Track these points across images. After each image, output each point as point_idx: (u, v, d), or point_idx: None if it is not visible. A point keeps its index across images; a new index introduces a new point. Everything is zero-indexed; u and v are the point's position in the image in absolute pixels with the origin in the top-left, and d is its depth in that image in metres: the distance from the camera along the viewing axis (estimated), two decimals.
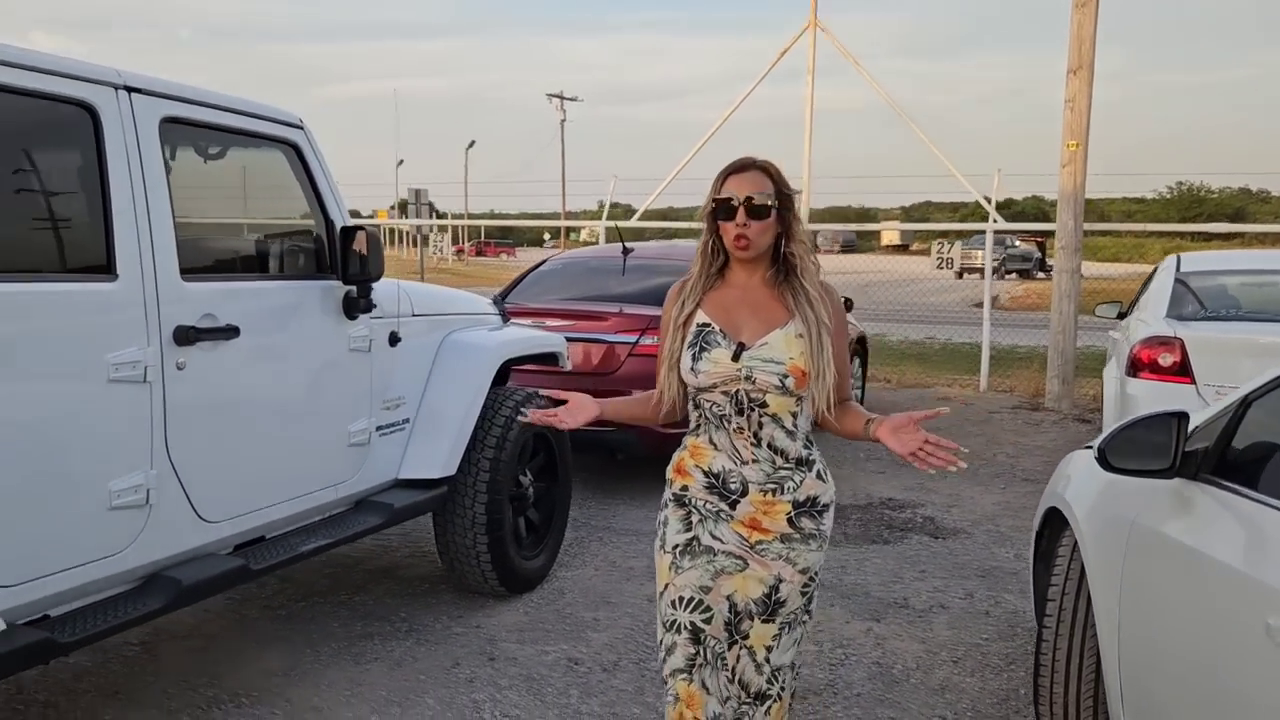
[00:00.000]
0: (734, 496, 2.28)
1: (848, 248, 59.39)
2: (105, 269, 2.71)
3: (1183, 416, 2.52)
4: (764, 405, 2.26)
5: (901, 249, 53.94)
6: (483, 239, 61.54)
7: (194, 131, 3.13)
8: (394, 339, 3.86)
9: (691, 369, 2.28)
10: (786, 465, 2.28)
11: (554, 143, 47.31)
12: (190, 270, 2.96)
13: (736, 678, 2.33)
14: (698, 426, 2.35)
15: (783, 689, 2.38)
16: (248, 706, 3.44)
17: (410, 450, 4.01)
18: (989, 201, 10.75)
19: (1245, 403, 2.49)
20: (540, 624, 4.19)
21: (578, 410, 2.43)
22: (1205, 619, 2.28)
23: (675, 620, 2.30)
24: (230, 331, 3.05)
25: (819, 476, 2.33)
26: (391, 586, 4.62)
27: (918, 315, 16.98)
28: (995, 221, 10.76)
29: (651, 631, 4.09)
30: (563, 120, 46.78)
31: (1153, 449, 2.52)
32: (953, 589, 4.71)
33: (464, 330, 4.36)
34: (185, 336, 2.89)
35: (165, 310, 2.85)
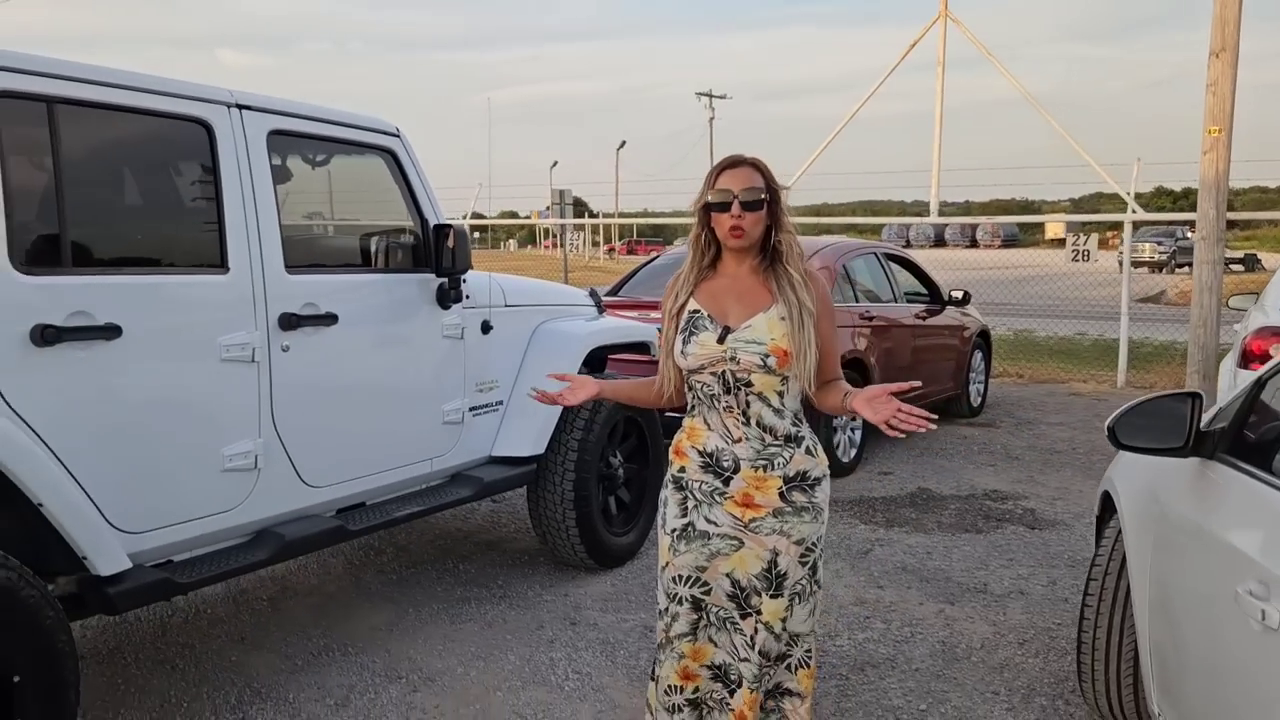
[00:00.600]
0: (727, 473, 2.46)
1: (1009, 242, 57.34)
2: (219, 264, 3.14)
3: (1196, 396, 2.57)
4: (749, 385, 2.43)
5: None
6: (634, 237, 62.34)
7: (299, 142, 3.54)
8: (486, 327, 4.20)
9: (681, 352, 2.48)
10: (775, 442, 2.46)
11: (703, 141, 47.49)
12: (295, 264, 3.36)
13: (757, 648, 2.49)
14: (693, 408, 2.55)
15: (807, 653, 2.56)
16: (352, 655, 3.84)
17: (503, 430, 4.35)
18: (1129, 194, 10.35)
19: (1260, 383, 2.52)
20: (624, 595, 4.46)
21: (579, 389, 2.69)
22: (1200, 591, 2.35)
23: (677, 594, 2.53)
24: (330, 318, 3.44)
25: (808, 452, 2.48)
26: (494, 558, 4.99)
27: (1074, 310, 16.40)
28: (1134, 212, 10.37)
29: None
30: (711, 118, 47.08)
31: (1167, 428, 2.58)
32: (1037, 577, 4.73)
33: (557, 320, 4.67)
34: (289, 322, 3.30)
35: (271, 300, 3.26)
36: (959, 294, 8.34)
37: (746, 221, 2.43)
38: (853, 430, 6.79)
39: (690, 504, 2.52)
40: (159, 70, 3.00)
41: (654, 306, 6.50)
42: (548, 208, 31.02)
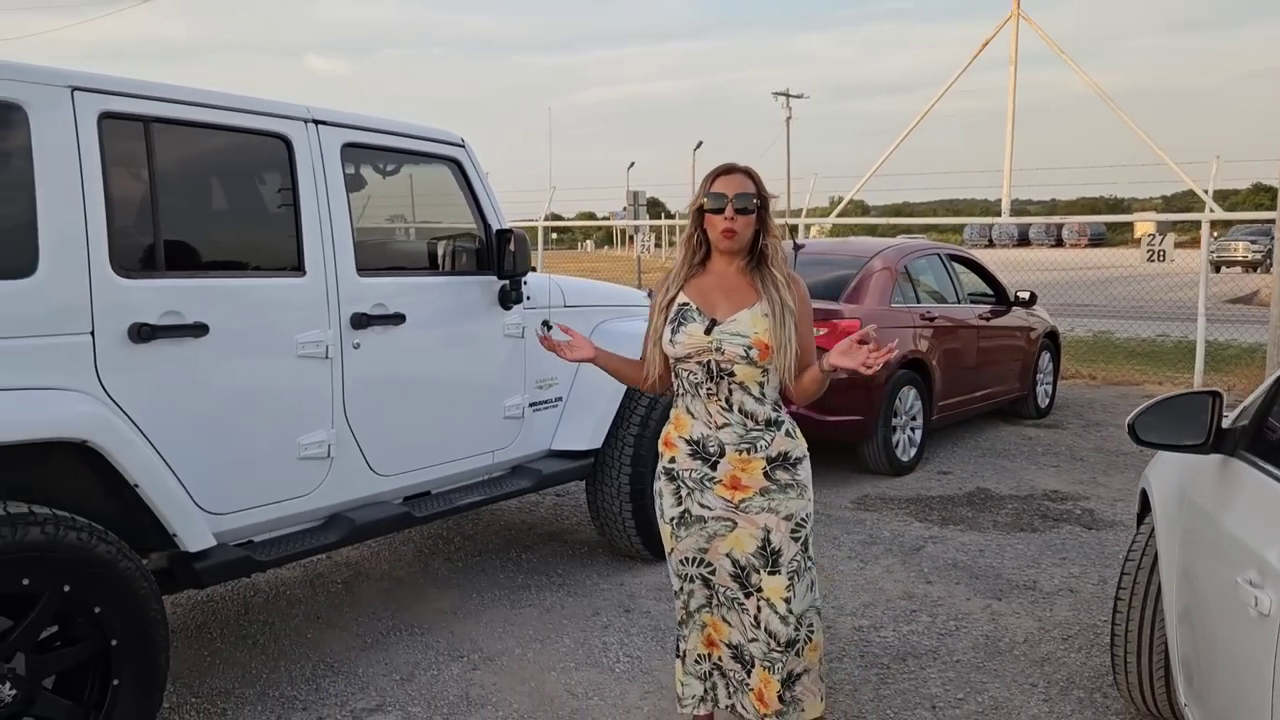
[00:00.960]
0: (714, 458, 2.66)
1: (1096, 240, 55.97)
2: (296, 267, 3.40)
3: (1216, 395, 2.65)
4: (732, 374, 2.64)
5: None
6: None
7: (371, 153, 3.79)
8: (546, 326, 4.40)
9: (670, 341, 2.68)
10: (757, 427, 2.66)
11: (780, 141, 47.24)
12: (366, 267, 3.61)
13: (763, 627, 2.67)
14: (678, 398, 2.75)
15: (811, 630, 2.72)
16: (418, 635, 4.08)
17: (562, 425, 4.56)
18: (1207, 192, 10.12)
19: (1279, 381, 2.59)
20: None
21: (579, 347, 2.88)
22: (1214, 584, 2.43)
23: (686, 573, 2.76)
24: (398, 318, 3.68)
25: (788, 434, 2.70)
26: (556, 548, 5.20)
27: (1159, 312, 16.01)
28: (1211, 211, 10.15)
29: None
30: (788, 118, 46.76)
31: (1188, 425, 2.66)
32: (1089, 575, 4.76)
33: (615, 320, 4.86)
34: (360, 322, 3.55)
35: (344, 300, 3.51)
36: (1025, 294, 8.33)
37: (738, 224, 2.64)
38: (912, 430, 6.86)
39: (683, 492, 2.72)
40: (253, 77, 3.39)
41: None
42: (624, 209, 31.33)
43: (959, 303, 7.70)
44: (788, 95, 47.31)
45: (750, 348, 2.61)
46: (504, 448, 4.27)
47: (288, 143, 3.39)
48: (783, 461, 2.67)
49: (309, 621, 4.24)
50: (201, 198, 3.37)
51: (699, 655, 2.83)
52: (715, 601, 2.76)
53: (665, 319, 2.72)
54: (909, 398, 6.77)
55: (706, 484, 2.68)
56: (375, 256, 3.85)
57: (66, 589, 2.64)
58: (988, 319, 7.86)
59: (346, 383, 3.53)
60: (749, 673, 2.74)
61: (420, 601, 4.45)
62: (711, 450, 2.67)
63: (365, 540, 3.91)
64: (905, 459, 6.77)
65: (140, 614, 2.79)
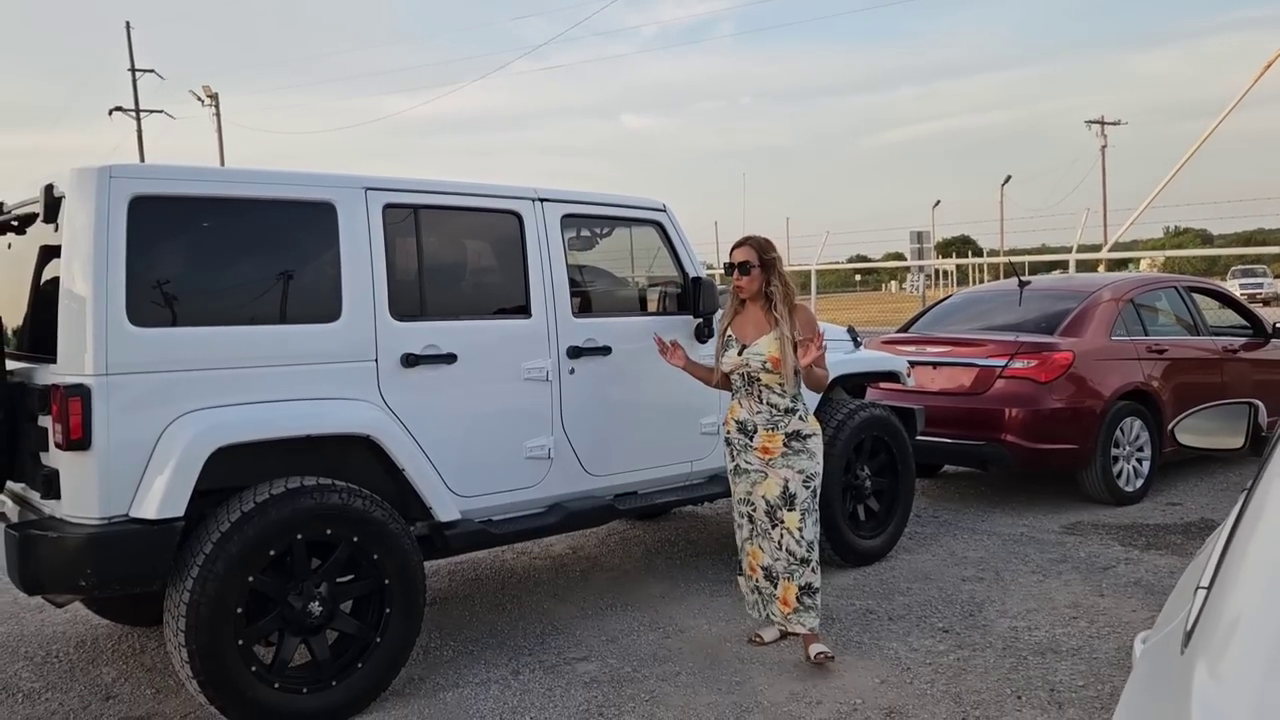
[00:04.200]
0: (751, 433, 4.24)
1: None
2: (525, 311, 4.43)
3: (1254, 404, 2.99)
4: (759, 379, 4.19)
5: None
6: (1025, 274, 59.67)
7: (586, 220, 4.79)
8: None
9: (721, 361, 4.09)
10: (779, 413, 4.19)
11: (1095, 170, 44.70)
12: (580, 311, 4.60)
13: (784, 549, 4.15)
14: (734, 394, 4.31)
15: (811, 552, 4.14)
16: (630, 611, 4.97)
17: None
18: None
19: None
20: (860, 585, 5.22)
21: (674, 354, 4.40)
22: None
23: (741, 510, 4.25)
24: (605, 350, 4.63)
25: (801, 418, 4.20)
26: None
27: None
28: None
29: (950, 599, 4.94)
30: (1103, 146, 44.34)
31: (1228, 432, 3.01)
32: None
33: None
34: (574, 353, 4.53)
35: (562, 336, 4.50)
36: None
37: (744, 281, 4.21)
38: (1139, 461, 6.92)
39: (734, 453, 4.30)
40: (571, 139, 4.60)
41: (930, 342, 7.14)
42: (913, 248, 31.21)
43: (1197, 334, 7.61)
44: (1102, 123, 44.90)
45: (766, 362, 4.14)
46: (702, 458, 5.09)
47: (519, 217, 4.45)
48: (796, 436, 4.18)
49: (547, 597, 5.25)
50: (454, 261, 4.51)
51: (747, 574, 4.24)
52: (755, 533, 4.11)
53: (722, 346, 4.16)
54: (1133, 428, 6.85)
55: (747, 449, 4.23)
56: (588, 302, 4.82)
57: (355, 539, 3.75)
58: (1235, 350, 7.69)
59: (563, 400, 4.52)
60: (776, 585, 4.05)
61: (638, 587, 5.35)
62: (749, 429, 4.24)
63: (579, 528, 4.86)
64: (1129, 489, 6.84)
65: (405, 562, 3.87)
